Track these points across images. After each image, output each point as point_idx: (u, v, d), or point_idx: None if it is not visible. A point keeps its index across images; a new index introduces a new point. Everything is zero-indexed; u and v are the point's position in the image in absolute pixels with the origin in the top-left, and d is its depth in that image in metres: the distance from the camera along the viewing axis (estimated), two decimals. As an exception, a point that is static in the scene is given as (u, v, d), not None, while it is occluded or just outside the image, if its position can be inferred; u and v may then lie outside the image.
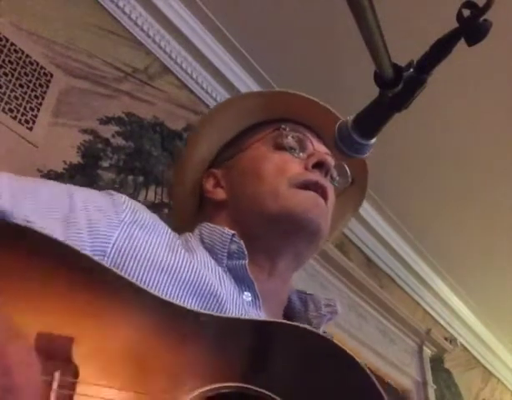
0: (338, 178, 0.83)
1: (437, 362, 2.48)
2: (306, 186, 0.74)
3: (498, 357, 3.14)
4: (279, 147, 0.80)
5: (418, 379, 2.28)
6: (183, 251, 0.64)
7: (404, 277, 2.45)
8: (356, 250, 2.20)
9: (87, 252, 0.54)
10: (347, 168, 0.83)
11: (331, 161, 0.77)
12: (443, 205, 2.13)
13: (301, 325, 0.57)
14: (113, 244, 0.58)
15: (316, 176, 0.74)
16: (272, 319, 0.65)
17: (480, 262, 2.43)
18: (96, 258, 0.49)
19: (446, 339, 2.56)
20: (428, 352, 2.42)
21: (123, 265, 0.57)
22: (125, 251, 0.58)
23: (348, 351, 0.52)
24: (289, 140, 0.80)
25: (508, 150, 1.84)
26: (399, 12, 1.40)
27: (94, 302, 0.45)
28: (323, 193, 0.74)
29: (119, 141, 1.26)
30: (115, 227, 0.60)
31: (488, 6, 0.44)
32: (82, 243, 0.55)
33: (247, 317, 0.61)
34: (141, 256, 0.59)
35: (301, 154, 0.79)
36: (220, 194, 0.81)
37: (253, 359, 0.50)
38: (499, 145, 1.83)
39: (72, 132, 1.18)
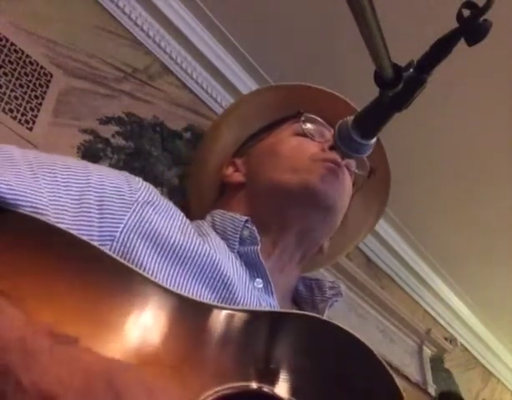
0: (357, 171, 0.83)
1: (437, 362, 2.48)
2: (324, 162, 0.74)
3: (498, 357, 3.14)
4: (298, 133, 0.81)
5: (418, 379, 2.28)
6: (195, 235, 0.63)
7: (404, 277, 2.45)
8: (356, 250, 2.20)
9: (95, 236, 0.53)
10: (365, 159, 0.84)
11: None
12: (443, 205, 2.13)
13: (316, 315, 0.56)
14: (123, 227, 0.56)
15: (333, 155, 0.74)
16: (289, 310, 0.65)
17: (481, 262, 2.43)
18: (99, 246, 0.47)
19: (446, 339, 2.56)
20: (428, 352, 2.42)
21: (133, 248, 0.55)
22: (135, 233, 0.57)
23: (369, 346, 0.51)
24: (308, 127, 0.81)
25: (508, 150, 1.84)
26: (399, 12, 1.40)
27: (95, 295, 0.43)
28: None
29: (119, 141, 1.26)
30: (127, 207, 0.58)
31: (488, 6, 0.45)
32: (90, 228, 0.54)
33: (259, 309, 0.61)
34: (152, 238, 0.57)
35: (319, 139, 0.79)
36: (238, 177, 0.82)
37: (267, 355, 0.48)
38: (500, 145, 1.83)
39: (72, 132, 1.18)
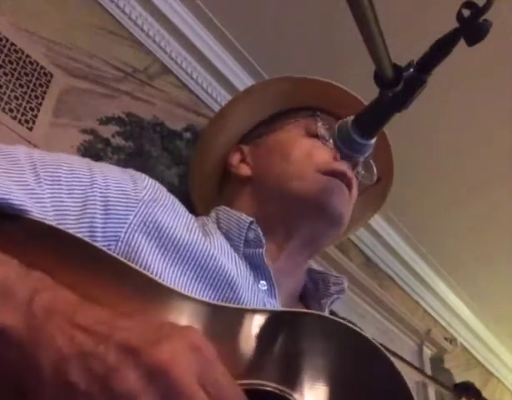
0: (363, 173, 0.83)
1: (437, 362, 2.48)
2: (333, 174, 0.74)
3: (498, 357, 3.14)
4: (311, 133, 0.80)
5: (418, 379, 2.28)
6: (200, 234, 0.63)
7: (404, 277, 2.45)
8: (356, 250, 2.20)
9: (98, 237, 0.53)
10: (374, 166, 0.83)
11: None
12: (443, 205, 2.13)
13: (318, 313, 0.56)
14: (128, 227, 0.56)
15: (344, 166, 0.75)
16: (294, 309, 0.64)
17: (481, 262, 2.43)
18: (101, 246, 0.48)
19: (446, 339, 2.56)
20: (428, 352, 2.42)
21: (137, 248, 0.55)
22: (140, 232, 0.57)
23: (381, 347, 0.50)
24: (321, 128, 0.80)
25: (508, 150, 1.84)
26: (399, 12, 1.40)
27: (99, 296, 0.44)
28: (348, 184, 0.75)
29: (119, 141, 1.26)
30: (133, 207, 0.58)
31: (488, 6, 0.45)
32: (94, 229, 0.54)
33: (262, 308, 0.60)
34: (156, 237, 0.57)
35: (331, 143, 0.79)
36: (245, 170, 0.81)
37: (286, 355, 0.48)
38: (501, 145, 1.83)
39: (72, 132, 1.18)
